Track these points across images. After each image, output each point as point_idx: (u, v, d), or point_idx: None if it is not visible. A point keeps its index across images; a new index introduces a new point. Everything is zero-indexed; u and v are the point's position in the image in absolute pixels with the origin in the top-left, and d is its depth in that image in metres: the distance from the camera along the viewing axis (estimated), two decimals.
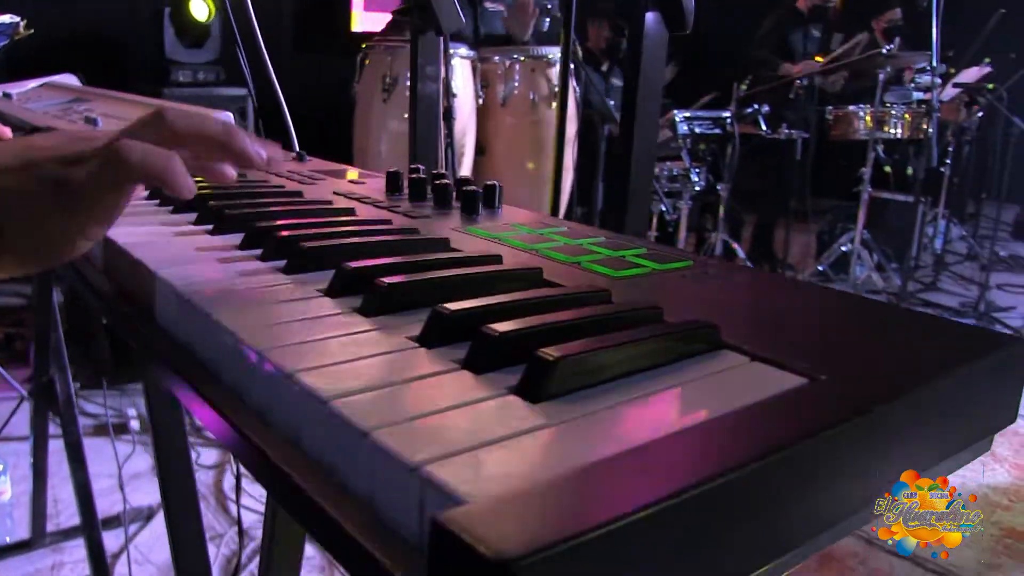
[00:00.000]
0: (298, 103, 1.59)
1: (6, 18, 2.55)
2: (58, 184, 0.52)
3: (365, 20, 5.74)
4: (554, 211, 1.71)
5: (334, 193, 0.89)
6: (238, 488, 1.57)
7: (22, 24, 2.61)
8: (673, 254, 0.66)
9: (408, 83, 3.36)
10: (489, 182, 0.84)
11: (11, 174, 0.52)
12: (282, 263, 0.60)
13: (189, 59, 5.03)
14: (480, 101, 3.58)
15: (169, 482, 1.12)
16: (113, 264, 0.67)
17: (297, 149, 1.19)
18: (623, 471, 0.32)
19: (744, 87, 4.49)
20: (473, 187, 0.81)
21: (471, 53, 3.49)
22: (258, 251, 0.63)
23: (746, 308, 0.56)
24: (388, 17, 4.14)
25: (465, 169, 3.60)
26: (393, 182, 0.91)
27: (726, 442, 0.35)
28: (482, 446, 0.34)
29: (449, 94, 3.10)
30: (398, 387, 0.40)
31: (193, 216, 0.77)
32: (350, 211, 0.77)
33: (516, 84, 3.57)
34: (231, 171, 0.59)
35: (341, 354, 0.43)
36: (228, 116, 0.61)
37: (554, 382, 0.39)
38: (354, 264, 0.54)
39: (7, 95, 2.39)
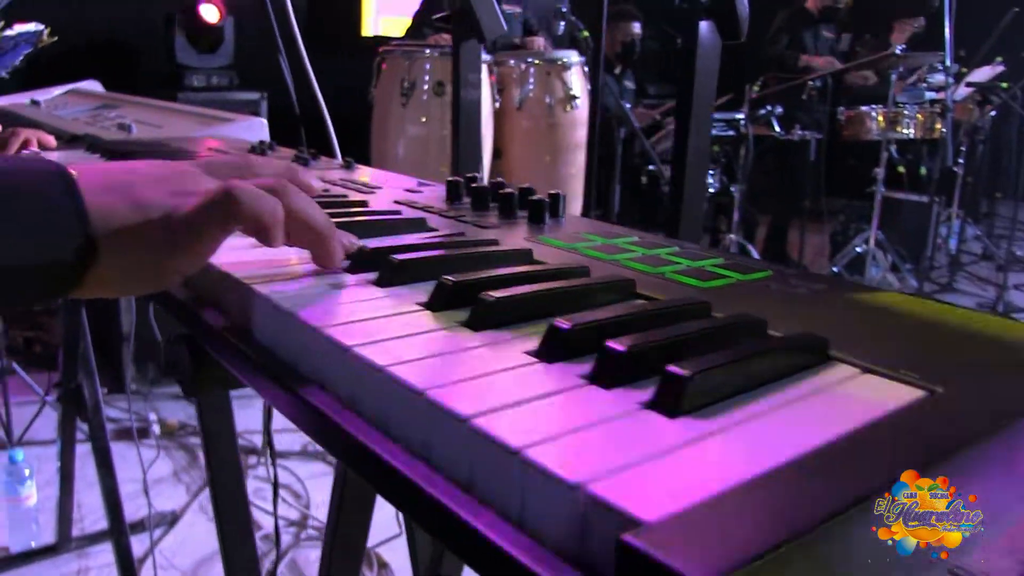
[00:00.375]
0: (311, 106, 1.60)
1: (31, 26, 2.56)
2: (164, 215, 0.52)
3: (376, 24, 5.76)
4: (585, 213, 1.72)
5: (395, 202, 0.89)
6: (275, 495, 1.58)
7: (46, 32, 2.62)
8: (752, 264, 0.67)
9: (426, 88, 3.39)
10: (553, 191, 0.85)
11: (115, 197, 0.52)
12: (372, 275, 0.60)
13: (202, 64, 5.05)
14: (496, 105, 3.59)
15: (221, 498, 1.13)
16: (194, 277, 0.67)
17: (341, 156, 1.19)
18: (792, 484, 0.33)
19: (757, 88, 4.49)
20: (539, 196, 0.82)
21: (487, 57, 3.50)
22: (344, 263, 0.64)
23: (838, 318, 0.56)
24: (399, 21, 4.15)
25: (483, 173, 3.61)
26: (453, 191, 0.92)
27: (879, 455, 0.36)
28: (638, 463, 0.34)
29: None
30: (533, 403, 0.40)
31: None
32: (422, 222, 0.77)
33: (531, 87, 3.58)
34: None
35: (465, 370, 0.43)
36: (355, 240, 0.63)
37: (690, 398, 0.39)
38: (454, 278, 0.54)
39: (35, 102, 2.40)
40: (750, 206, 4.62)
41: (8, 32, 2.43)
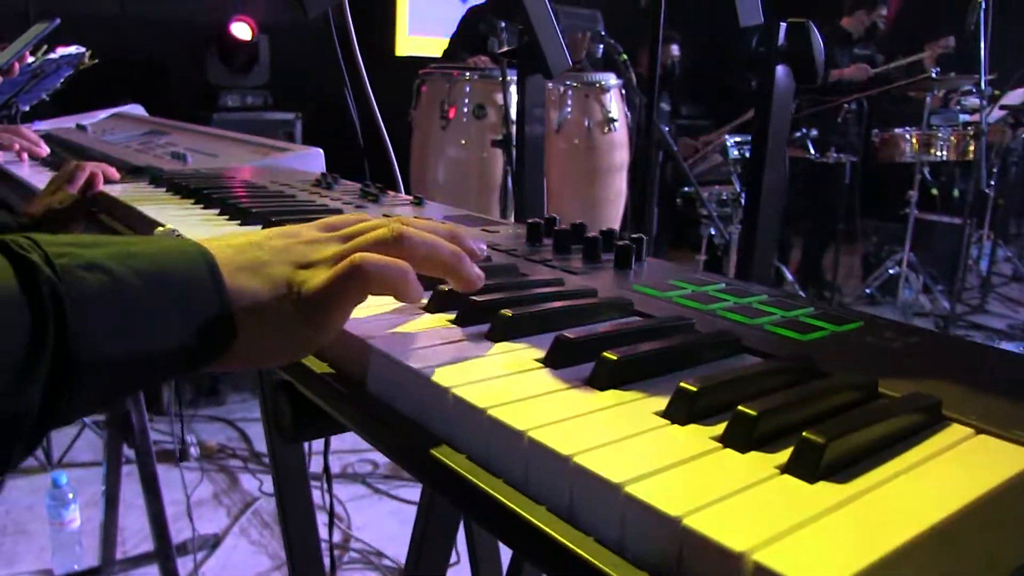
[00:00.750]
0: (346, 128, 1.62)
1: (72, 49, 2.62)
2: (295, 291, 0.55)
3: (410, 44, 5.82)
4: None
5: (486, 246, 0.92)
6: (331, 522, 1.60)
7: (87, 55, 2.68)
8: (844, 314, 0.69)
9: (466, 111, 3.42)
10: (635, 235, 0.87)
11: (249, 276, 0.54)
12: (482, 328, 0.63)
13: (237, 83, 5.13)
14: None
15: (292, 526, 1.15)
16: None
17: (405, 192, 1.22)
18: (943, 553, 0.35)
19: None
20: (625, 240, 0.84)
21: None
22: (450, 313, 0.66)
23: (941, 373, 0.58)
24: (433, 41, 4.20)
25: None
26: (534, 233, 0.94)
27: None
28: (794, 529, 0.37)
29: (508, 122, 3.14)
30: (678, 468, 0.42)
31: None
32: (513, 268, 0.80)
33: (570, 110, 3.61)
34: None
35: (603, 433, 0.46)
36: (482, 245, 0.65)
37: (826, 462, 0.41)
38: (573, 335, 0.56)
39: (81, 127, 2.45)
40: (784, 228, 4.62)
41: (51, 55, 2.49)
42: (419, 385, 0.54)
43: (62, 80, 2.92)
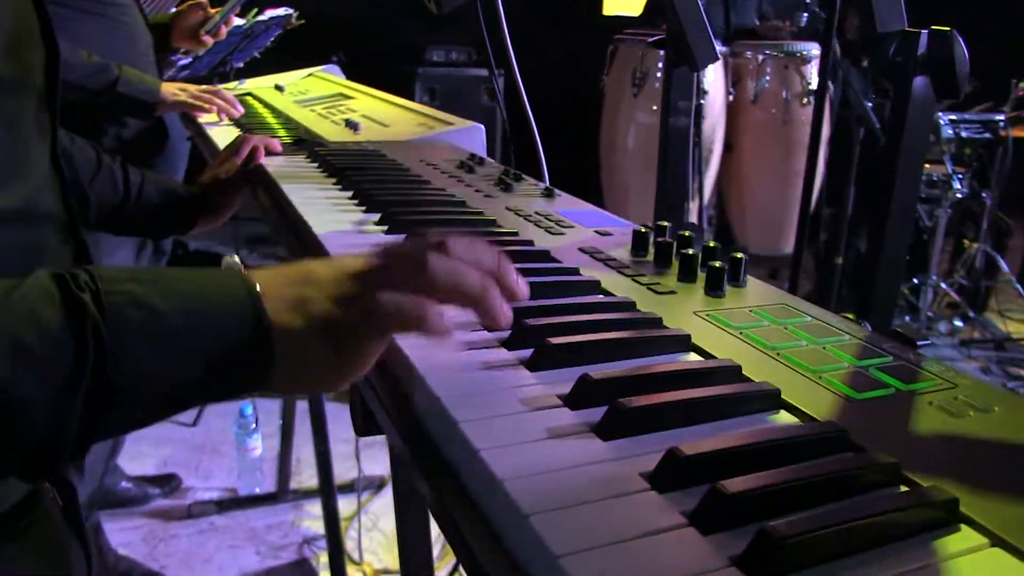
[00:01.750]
0: (540, 90, 1.60)
1: (280, 10, 2.77)
2: (331, 328, 0.57)
3: (618, 2, 5.71)
4: (803, 219, 1.65)
5: (580, 250, 0.92)
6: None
7: (294, 15, 2.83)
8: (922, 370, 0.64)
9: (660, 77, 3.35)
10: (735, 255, 0.84)
11: (294, 315, 0.57)
12: (526, 353, 0.63)
13: (444, 39, 5.24)
14: (731, 98, 3.50)
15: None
16: None
17: (547, 184, 1.22)
18: None
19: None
20: (719, 262, 0.81)
21: (723, 48, 3.42)
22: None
23: (1002, 463, 0.52)
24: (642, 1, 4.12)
25: (712, 167, 3.55)
26: (640, 242, 0.92)
27: None
28: None
29: (698, 92, 3.06)
30: (629, 543, 0.42)
31: None
32: (596, 284, 0.79)
33: (768, 80, 3.46)
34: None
35: (578, 493, 0.46)
36: (524, 288, 0.63)
37: (786, 560, 0.40)
38: (597, 377, 0.56)
39: (279, 87, 2.61)
40: (1003, 214, 4.25)
41: (261, 17, 2.65)
42: (438, 413, 0.55)
43: (272, 39, 3.11)
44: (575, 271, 0.82)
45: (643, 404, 0.52)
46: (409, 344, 0.63)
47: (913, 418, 0.57)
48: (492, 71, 1.53)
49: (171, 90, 2.06)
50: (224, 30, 2.43)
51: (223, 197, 1.34)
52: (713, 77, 3.39)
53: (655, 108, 3.45)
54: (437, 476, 0.53)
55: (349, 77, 4.86)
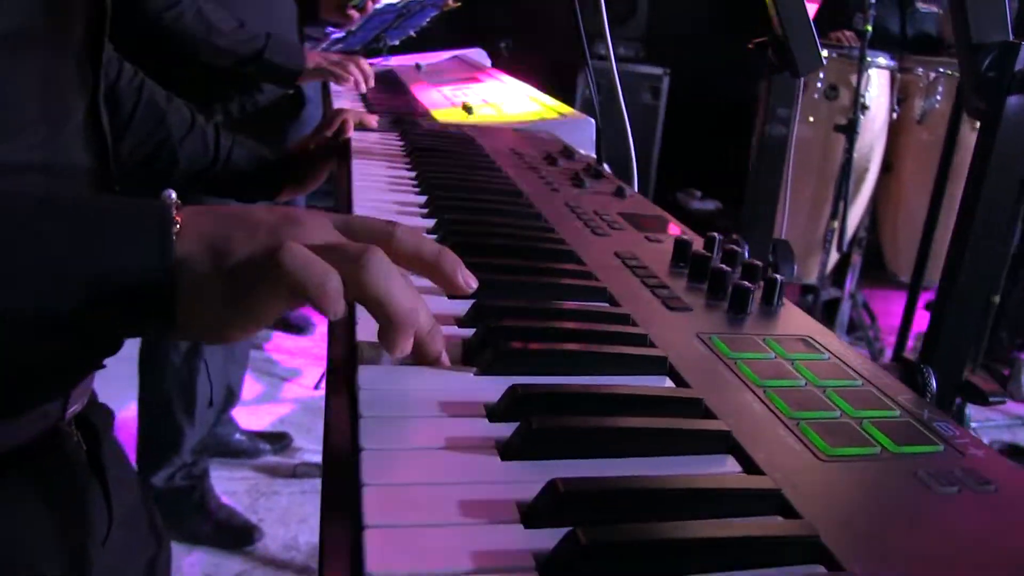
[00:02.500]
0: (709, 89, 1.54)
1: None
2: (233, 268, 0.52)
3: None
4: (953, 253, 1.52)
5: (615, 254, 0.86)
6: None
7: None
8: (929, 431, 0.55)
9: (819, 87, 3.19)
10: (772, 276, 0.77)
11: (200, 245, 0.52)
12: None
13: (613, 34, 5.18)
14: (894, 115, 3.29)
15: None
16: None
17: (621, 185, 1.16)
18: None
19: None
20: (745, 283, 0.74)
21: (891, 63, 3.21)
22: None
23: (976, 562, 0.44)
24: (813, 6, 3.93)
25: (867, 186, 3.35)
26: (680, 253, 0.86)
27: None
28: None
29: (857, 107, 2.89)
30: None
31: None
32: (601, 291, 0.74)
33: (938, 99, 3.23)
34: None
35: (435, 512, 0.41)
36: (472, 283, 0.60)
37: None
38: (523, 390, 0.51)
39: (419, 66, 2.63)
40: None
41: None
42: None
43: (428, 19, 3.15)
44: (589, 275, 0.77)
45: (556, 426, 0.47)
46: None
47: (881, 487, 0.49)
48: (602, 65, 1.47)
49: (313, 58, 2.12)
50: (371, 5, 2.48)
51: (310, 168, 1.35)
52: (877, 92, 3.18)
53: (811, 120, 3.29)
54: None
55: (512, 64, 4.89)
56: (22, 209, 0.51)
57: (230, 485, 2.62)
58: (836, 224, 2.95)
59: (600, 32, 5.33)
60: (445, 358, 0.57)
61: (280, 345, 3.54)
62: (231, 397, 2.57)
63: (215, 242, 0.52)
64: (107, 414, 0.92)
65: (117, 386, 0.99)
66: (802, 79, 3.21)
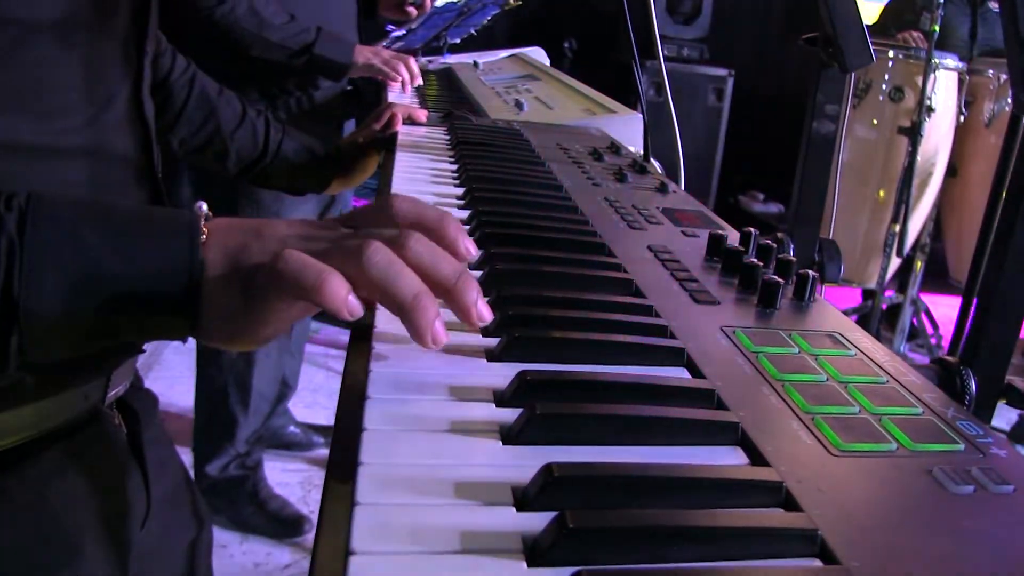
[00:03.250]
0: (774, 90, 1.51)
1: None
2: (249, 276, 0.55)
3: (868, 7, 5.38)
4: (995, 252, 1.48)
5: (648, 247, 0.85)
6: None
7: None
8: (950, 430, 0.54)
9: (884, 89, 3.12)
10: (803, 271, 0.75)
11: (223, 256, 0.55)
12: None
13: (676, 34, 5.14)
14: (962, 118, 3.20)
15: None
16: None
17: (664, 181, 1.15)
18: None
19: None
20: (775, 278, 0.73)
21: (960, 64, 3.12)
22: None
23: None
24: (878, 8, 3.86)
25: (931, 190, 3.26)
26: (714, 247, 0.85)
27: None
28: None
29: (923, 109, 2.82)
30: (440, 558, 0.37)
31: None
32: (628, 283, 0.73)
33: (1008, 102, 3.13)
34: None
35: (429, 492, 0.41)
36: (471, 248, 0.59)
37: None
38: (532, 376, 0.51)
39: (476, 64, 2.64)
40: None
41: None
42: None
43: (489, 17, 3.15)
44: (618, 267, 0.77)
45: (559, 411, 0.47)
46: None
47: (892, 484, 0.47)
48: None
49: (364, 54, 2.14)
50: (430, 3, 2.49)
51: (358, 161, 1.37)
52: (943, 95, 3.10)
53: (875, 123, 3.21)
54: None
55: (575, 64, 4.88)
56: (64, 211, 0.53)
57: (283, 476, 2.66)
58: (897, 228, 2.88)
59: (662, 34, 5.28)
60: (484, 308, 0.56)
61: (337, 339, 3.58)
62: (286, 389, 2.61)
63: (235, 252, 0.55)
64: (151, 398, 0.95)
65: (176, 375, 1.02)
66: (853, 77, 3.16)
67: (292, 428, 2.80)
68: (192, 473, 2.01)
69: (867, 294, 3.54)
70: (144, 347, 0.86)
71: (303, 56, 2.02)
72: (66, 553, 0.74)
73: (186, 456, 2.27)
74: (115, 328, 0.55)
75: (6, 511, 0.70)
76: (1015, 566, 0.41)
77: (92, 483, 0.79)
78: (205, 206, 0.58)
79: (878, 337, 3.72)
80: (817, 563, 0.40)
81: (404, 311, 0.52)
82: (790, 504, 0.44)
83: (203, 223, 0.56)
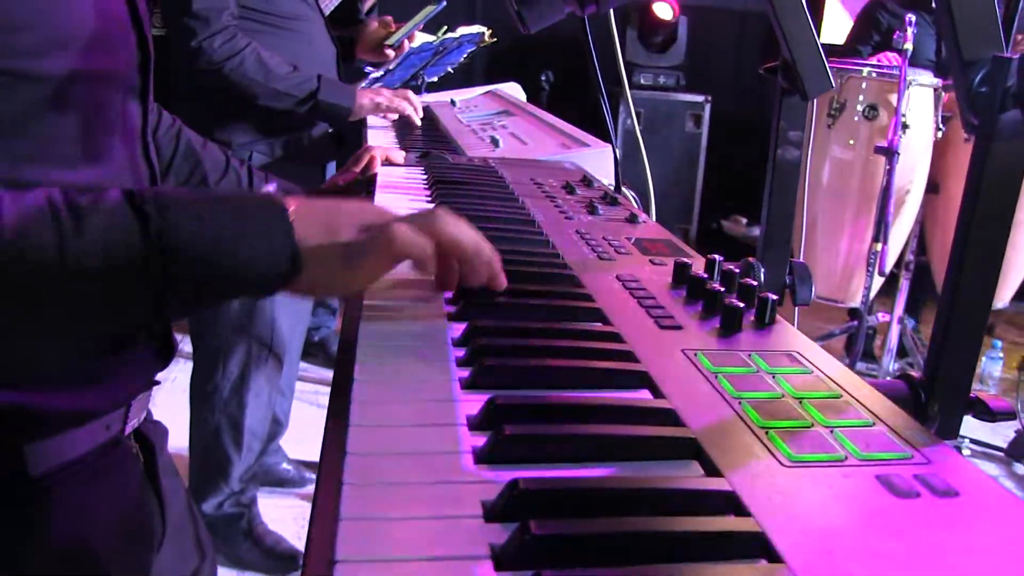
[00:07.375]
0: (751, 115, 1.55)
1: (473, 29, 2.86)
2: (345, 242, 0.67)
3: (833, 29, 5.41)
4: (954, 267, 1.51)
5: (616, 278, 0.89)
6: None
7: (487, 33, 2.91)
8: (895, 441, 0.57)
9: (858, 109, 3.17)
10: (764, 296, 0.79)
11: (317, 233, 0.67)
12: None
13: (651, 62, 5.21)
14: (939, 135, 3.25)
15: None
16: None
17: (634, 211, 1.19)
18: None
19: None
20: (735, 302, 0.76)
21: (935, 80, 3.17)
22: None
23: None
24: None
25: (911, 207, 3.31)
26: (680, 275, 0.88)
27: None
28: None
29: (898, 127, 2.87)
30: (415, 565, 0.40)
31: None
32: (597, 312, 0.77)
33: None
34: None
35: (403, 505, 0.45)
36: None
37: None
38: (502, 402, 0.54)
39: (453, 102, 2.69)
40: None
41: (451, 34, 2.74)
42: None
43: (465, 55, 3.21)
44: (586, 297, 0.80)
45: (526, 433, 0.50)
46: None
47: (840, 490, 0.51)
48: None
49: (368, 95, 2.19)
50: (407, 45, 2.55)
51: None
52: (919, 112, 3.15)
53: (851, 143, 3.27)
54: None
55: (553, 95, 4.94)
56: (184, 199, 0.65)
57: (277, 512, 2.67)
58: (879, 247, 2.92)
59: (637, 63, 5.32)
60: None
61: (326, 377, 3.60)
62: (278, 427, 2.63)
63: (327, 221, 0.69)
64: (161, 429, 0.99)
65: (169, 416, 1.06)
66: (830, 97, 3.22)
67: (285, 465, 2.82)
68: None
69: (852, 313, 3.57)
70: (158, 380, 0.91)
71: (308, 103, 2.07)
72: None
73: None
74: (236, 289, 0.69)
75: (39, 538, 0.74)
76: (955, 569, 0.44)
77: (116, 509, 0.83)
78: (273, 186, 0.69)
79: (871, 357, 3.75)
80: (763, 562, 0.43)
81: (466, 256, 0.73)
82: (740, 510, 0.47)
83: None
